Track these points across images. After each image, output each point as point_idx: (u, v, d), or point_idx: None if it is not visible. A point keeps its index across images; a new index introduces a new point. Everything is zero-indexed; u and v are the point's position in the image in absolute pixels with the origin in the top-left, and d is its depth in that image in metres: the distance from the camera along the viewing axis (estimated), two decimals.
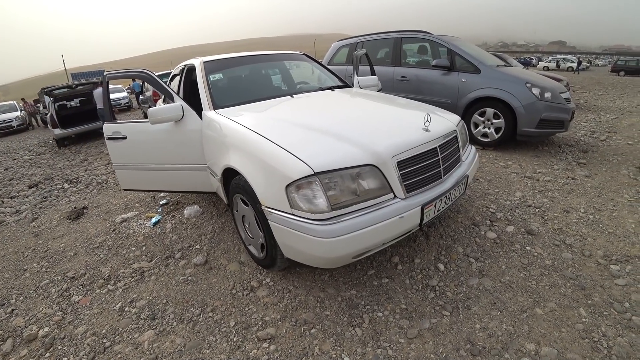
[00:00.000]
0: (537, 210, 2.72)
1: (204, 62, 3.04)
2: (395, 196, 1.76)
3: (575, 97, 9.82)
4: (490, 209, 2.74)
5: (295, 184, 1.61)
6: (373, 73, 4.28)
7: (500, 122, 4.09)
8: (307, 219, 1.60)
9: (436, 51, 4.80)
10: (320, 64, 3.71)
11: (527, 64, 34.67)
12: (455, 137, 2.18)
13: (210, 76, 3.00)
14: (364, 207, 1.65)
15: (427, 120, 1.99)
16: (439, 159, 1.94)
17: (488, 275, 2.01)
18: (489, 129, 4.22)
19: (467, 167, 2.22)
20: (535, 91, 3.89)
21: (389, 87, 5.11)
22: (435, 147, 1.93)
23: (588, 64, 36.85)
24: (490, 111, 4.14)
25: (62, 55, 48.55)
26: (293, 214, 1.65)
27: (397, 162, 1.76)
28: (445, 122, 2.22)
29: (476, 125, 4.35)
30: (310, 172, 1.58)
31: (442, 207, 1.94)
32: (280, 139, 1.85)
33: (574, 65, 32.05)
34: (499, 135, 4.14)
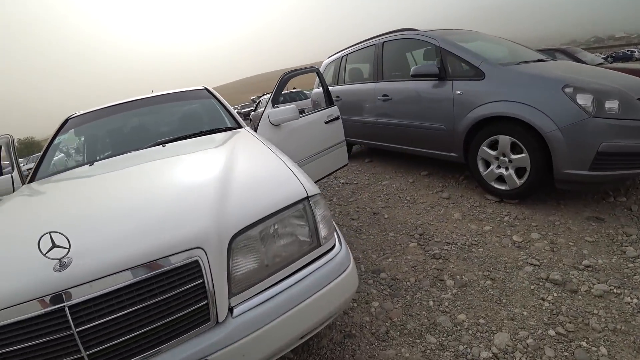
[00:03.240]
0: None
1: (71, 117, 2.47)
2: None
3: None
4: None
5: None
6: (328, 98, 3.09)
7: (523, 158, 2.35)
8: None
9: (431, 54, 3.26)
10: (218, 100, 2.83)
11: (626, 58, 24.88)
12: (197, 264, 0.96)
13: (63, 135, 2.39)
14: None
15: (55, 245, 0.86)
16: (73, 331, 0.83)
17: None
18: (507, 169, 2.49)
19: (239, 333, 0.97)
20: (584, 100, 2.07)
21: (371, 111, 3.74)
22: (63, 309, 0.84)
23: None
24: (505, 140, 2.43)
25: (152, 91, 58.06)
26: None
27: None
28: (176, 231, 0.99)
29: (487, 164, 2.65)
30: None
31: None
32: None
33: None
34: (523, 179, 2.38)
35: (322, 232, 1.20)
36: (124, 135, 2.51)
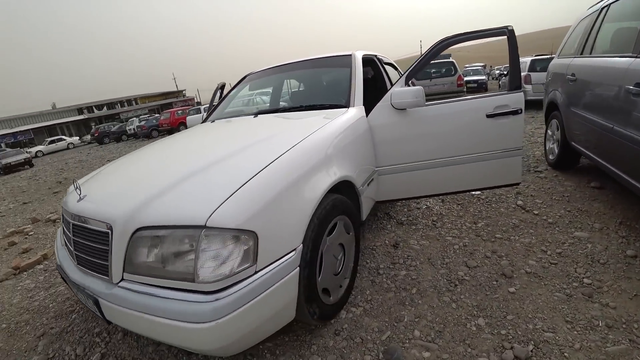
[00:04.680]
0: None
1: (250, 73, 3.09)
2: None
3: None
4: None
5: None
6: (512, 77, 2.12)
7: None
8: None
9: None
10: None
11: None
12: (103, 234, 1.28)
13: (242, 87, 3.02)
14: None
15: (77, 188, 1.54)
16: (71, 237, 1.47)
17: None
18: None
19: (114, 299, 1.23)
20: None
21: (610, 108, 2.16)
22: (70, 224, 1.47)
23: None
24: None
25: (420, 41, 57.35)
26: None
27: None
28: (117, 203, 1.32)
29: None
30: None
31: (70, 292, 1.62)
32: None
33: None
34: None
35: (200, 270, 1.08)
36: (259, 97, 2.86)
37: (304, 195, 1.37)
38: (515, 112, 2.05)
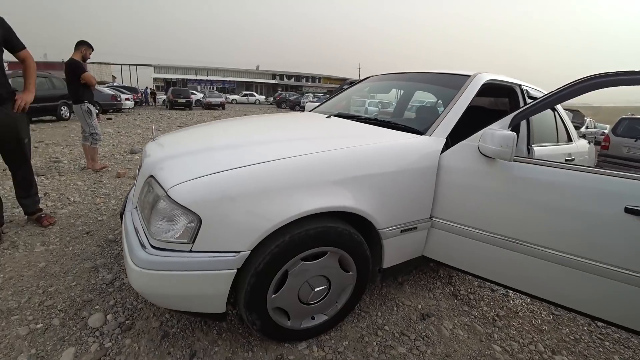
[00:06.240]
0: None
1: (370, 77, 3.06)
2: None
3: None
4: None
5: None
6: None
7: None
8: None
9: None
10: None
11: None
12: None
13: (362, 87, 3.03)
14: None
15: (154, 133, 2.05)
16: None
17: None
18: None
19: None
20: None
21: None
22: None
23: None
24: None
25: None
26: None
27: None
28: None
29: None
30: None
31: None
32: None
33: None
34: None
35: (152, 224, 1.22)
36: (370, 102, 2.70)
37: (276, 207, 1.26)
38: None
